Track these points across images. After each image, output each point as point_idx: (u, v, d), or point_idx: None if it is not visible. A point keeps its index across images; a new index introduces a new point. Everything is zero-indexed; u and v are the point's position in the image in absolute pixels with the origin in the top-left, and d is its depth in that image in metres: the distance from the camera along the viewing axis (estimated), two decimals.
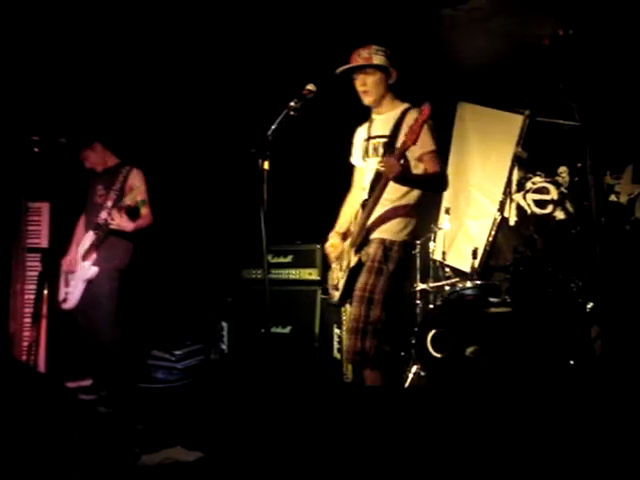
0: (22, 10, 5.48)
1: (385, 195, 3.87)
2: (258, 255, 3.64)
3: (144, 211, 5.18)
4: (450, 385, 4.96)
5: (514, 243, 5.93)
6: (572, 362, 4.71)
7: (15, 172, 5.56)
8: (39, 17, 5.55)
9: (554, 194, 5.68)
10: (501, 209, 5.97)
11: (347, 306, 4.33)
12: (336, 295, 4.10)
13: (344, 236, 4.19)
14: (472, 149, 6.63)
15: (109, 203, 5.19)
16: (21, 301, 5.64)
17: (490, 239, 6.00)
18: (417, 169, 3.95)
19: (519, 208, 5.95)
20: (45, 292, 5.17)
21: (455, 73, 6.21)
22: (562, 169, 5.69)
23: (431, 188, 4.10)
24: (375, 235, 3.94)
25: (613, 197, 5.33)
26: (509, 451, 3.60)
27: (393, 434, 3.82)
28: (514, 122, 6.20)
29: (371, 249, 3.92)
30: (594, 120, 5.14)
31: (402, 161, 3.69)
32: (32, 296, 5.40)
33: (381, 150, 3.99)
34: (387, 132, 3.99)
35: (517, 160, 6.04)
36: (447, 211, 5.91)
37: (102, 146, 5.37)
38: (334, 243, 4.19)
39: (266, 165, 3.58)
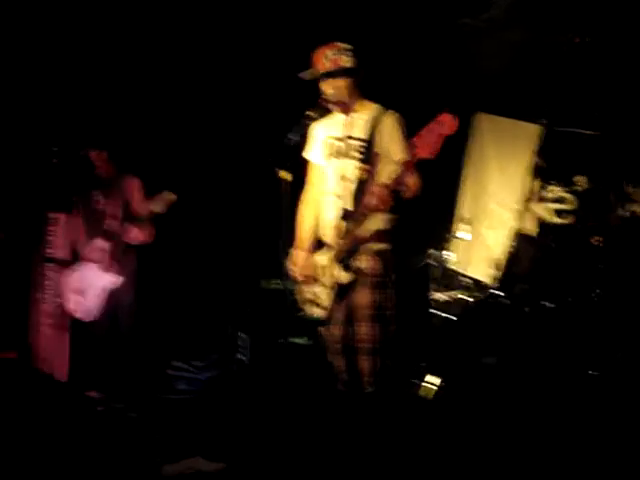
0: (37, 22, 5.56)
1: None
2: (277, 265, 3.62)
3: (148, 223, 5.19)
4: (469, 395, 4.94)
5: (532, 253, 5.91)
6: (593, 372, 4.69)
7: (36, 183, 5.58)
8: (53, 28, 5.62)
9: (572, 204, 5.65)
10: (519, 219, 5.96)
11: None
12: (318, 312, 3.79)
13: (309, 250, 3.88)
14: (489, 159, 6.62)
15: (114, 211, 5.16)
16: (41, 311, 5.66)
17: (509, 249, 5.99)
18: (387, 168, 3.64)
19: (537, 218, 5.92)
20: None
21: (472, 83, 6.21)
22: (580, 178, 5.66)
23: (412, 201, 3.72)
24: (366, 246, 3.69)
25: (635, 206, 5.29)
26: (526, 459, 3.59)
27: (413, 444, 3.81)
28: (532, 132, 6.20)
29: (364, 262, 3.68)
30: (613, 129, 5.13)
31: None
32: (51, 306, 5.43)
33: (356, 154, 3.72)
34: (363, 135, 3.72)
35: (535, 170, 6.04)
36: (465, 221, 5.90)
37: (108, 152, 5.29)
38: (303, 265, 3.84)
39: (284, 174, 3.54)
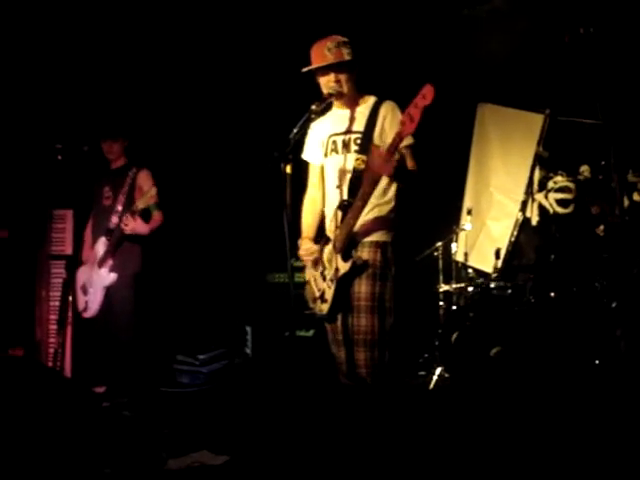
0: (43, 20, 5.56)
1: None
2: (282, 259, 3.64)
3: (156, 213, 5.08)
4: (474, 386, 4.94)
5: (536, 243, 5.90)
6: (597, 361, 4.69)
7: (40, 180, 5.59)
8: (57, 25, 5.63)
9: (576, 193, 5.64)
10: (523, 209, 5.96)
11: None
12: (324, 308, 3.75)
13: (315, 240, 3.90)
14: (493, 149, 6.62)
15: (119, 207, 5.10)
16: (46, 308, 5.68)
17: (512, 239, 5.99)
18: None
19: (541, 208, 5.91)
20: (70, 299, 5.19)
21: (475, 73, 6.19)
22: (584, 168, 5.65)
23: (410, 186, 3.70)
24: (367, 238, 3.68)
25: (636, 195, 5.28)
26: (533, 450, 3.59)
27: (420, 435, 3.81)
28: (535, 121, 6.19)
29: (365, 253, 3.66)
30: (616, 118, 5.12)
31: (396, 156, 3.41)
32: (57, 303, 5.43)
33: (354, 147, 3.72)
34: (360, 128, 3.73)
35: (538, 159, 6.03)
36: (469, 212, 5.90)
37: (122, 142, 5.26)
38: (308, 247, 3.85)
39: (288, 169, 3.54)
